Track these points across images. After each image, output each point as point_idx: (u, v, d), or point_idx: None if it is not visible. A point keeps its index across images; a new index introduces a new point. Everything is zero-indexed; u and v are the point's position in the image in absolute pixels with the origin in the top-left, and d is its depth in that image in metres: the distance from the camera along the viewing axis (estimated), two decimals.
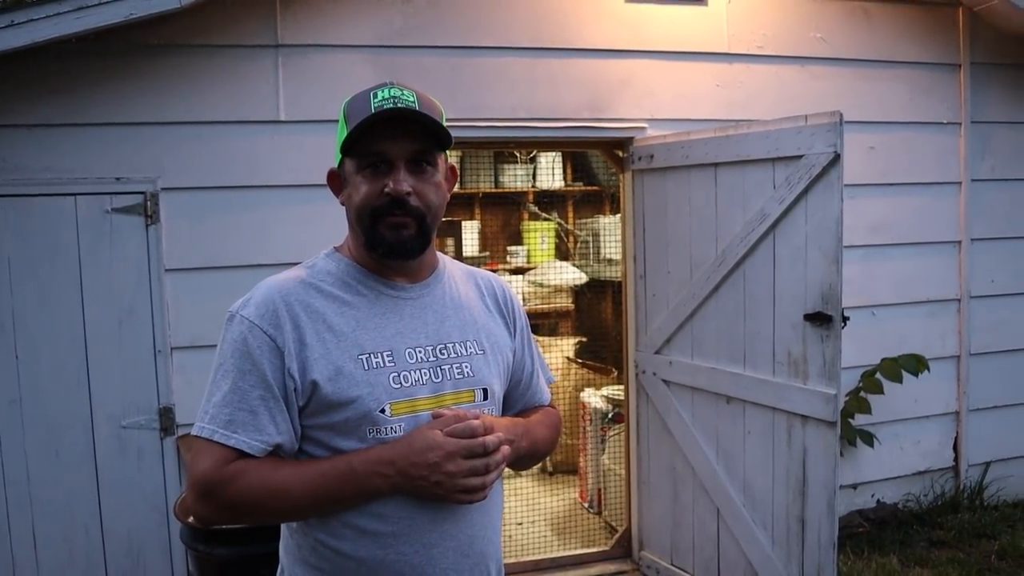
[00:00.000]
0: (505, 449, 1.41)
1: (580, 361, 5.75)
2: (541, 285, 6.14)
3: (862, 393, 4.26)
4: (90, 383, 3.37)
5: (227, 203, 3.49)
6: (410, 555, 1.41)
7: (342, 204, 1.51)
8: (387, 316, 1.47)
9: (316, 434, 1.41)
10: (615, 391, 4.80)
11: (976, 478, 4.70)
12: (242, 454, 1.35)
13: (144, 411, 3.43)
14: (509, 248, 6.52)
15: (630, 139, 3.96)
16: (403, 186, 1.40)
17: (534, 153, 6.39)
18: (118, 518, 3.43)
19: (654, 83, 4.01)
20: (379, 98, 1.40)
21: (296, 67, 3.54)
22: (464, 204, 6.50)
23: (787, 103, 4.10)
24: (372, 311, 1.46)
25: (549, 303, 6.20)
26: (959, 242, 4.55)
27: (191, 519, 2.91)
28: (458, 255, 5.83)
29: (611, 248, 5.71)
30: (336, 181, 1.52)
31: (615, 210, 5.97)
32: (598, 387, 5.19)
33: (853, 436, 4.23)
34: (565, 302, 6.27)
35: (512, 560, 4.10)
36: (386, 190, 1.40)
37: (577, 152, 6.43)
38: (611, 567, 4.14)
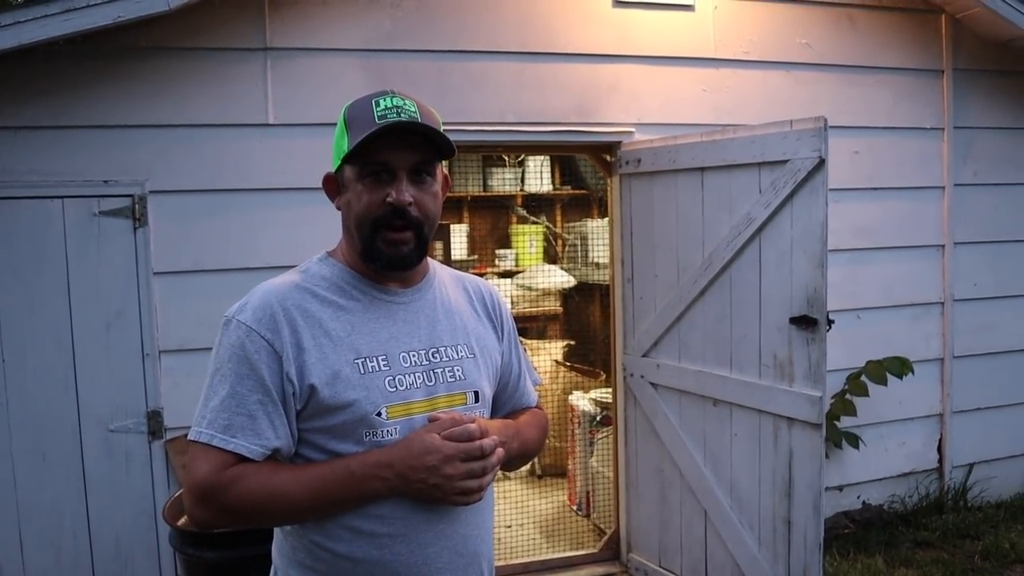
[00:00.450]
0: (500, 452, 1.44)
1: (568, 364, 5.77)
2: (529, 288, 6.16)
3: (847, 395, 4.29)
4: (77, 386, 3.36)
5: (216, 206, 3.49)
6: (406, 555, 1.42)
7: (338, 209, 1.52)
8: (381, 321, 1.48)
9: (313, 437, 1.42)
10: (603, 394, 4.82)
11: (960, 479, 4.75)
12: (241, 458, 1.36)
13: (132, 415, 3.42)
14: (497, 251, 6.53)
15: (618, 143, 3.98)
16: (405, 196, 1.41)
17: (522, 157, 6.41)
18: (106, 522, 3.42)
19: (642, 88, 4.04)
20: (382, 107, 1.41)
21: (285, 70, 3.54)
22: (453, 207, 6.51)
23: (773, 108, 4.14)
24: (367, 316, 1.47)
25: (537, 306, 6.22)
26: (943, 246, 4.60)
27: (187, 523, 2.91)
28: (447, 258, 5.84)
29: (599, 251, 5.73)
30: (332, 186, 1.53)
31: (603, 213, 6.00)
32: (586, 390, 5.21)
33: (839, 438, 4.27)
34: (553, 305, 6.29)
35: (501, 563, 4.11)
36: (388, 200, 1.41)
37: (565, 156, 6.45)
38: (600, 569, 4.16)
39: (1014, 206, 4.75)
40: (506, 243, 6.63)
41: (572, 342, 6.13)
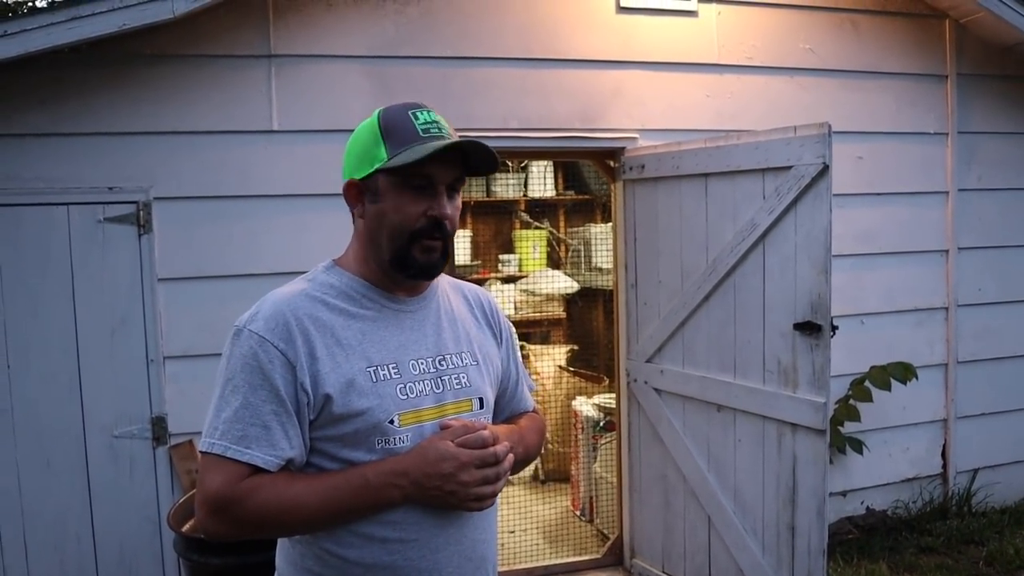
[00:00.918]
0: (510, 457, 1.46)
1: (572, 369, 5.77)
2: (533, 293, 6.16)
3: (851, 401, 4.29)
4: (82, 392, 3.37)
5: (220, 213, 3.50)
6: (417, 560, 1.43)
7: (358, 216, 1.52)
8: (390, 329, 1.49)
9: (324, 446, 1.42)
10: (606, 399, 4.81)
11: (964, 485, 4.74)
12: (256, 469, 1.35)
13: (136, 420, 3.43)
14: (501, 257, 6.54)
15: (621, 149, 3.99)
16: (447, 210, 1.46)
17: (525, 162, 6.42)
18: (110, 528, 3.43)
19: (645, 93, 4.04)
20: (422, 121, 1.44)
21: (289, 77, 3.55)
22: None
23: (776, 114, 4.14)
24: (376, 324, 1.48)
25: (541, 311, 6.22)
26: (947, 251, 4.60)
27: (192, 529, 2.91)
28: (450, 264, 5.83)
29: (602, 257, 5.73)
30: (356, 193, 1.50)
31: (606, 218, 6.01)
32: (590, 395, 5.20)
33: (843, 444, 4.26)
34: (557, 310, 6.29)
35: (505, 568, 4.11)
36: (430, 213, 1.44)
37: (568, 161, 6.46)
38: (603, 575, 4.15)
39: (1018, 211, 4.75)
40: (509, 248, 6.63)
41: (575, 347, 6.13)
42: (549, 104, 3.91)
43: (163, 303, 3.44)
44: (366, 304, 1.49)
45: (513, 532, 4.62)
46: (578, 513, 4.97)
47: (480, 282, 6.46)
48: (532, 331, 6.34)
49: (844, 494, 4.49)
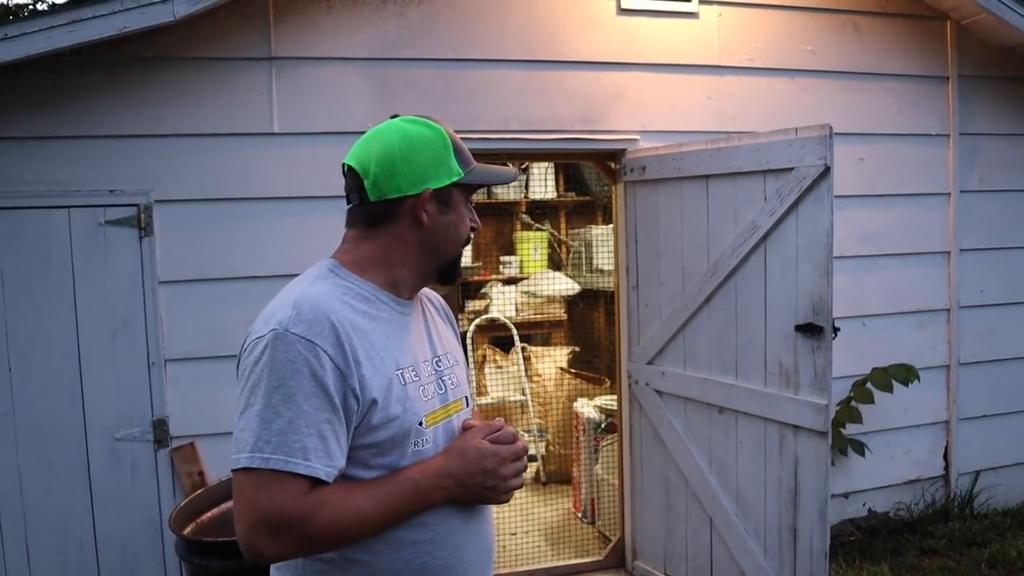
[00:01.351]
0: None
1: (573, 371, 5.77)
2: (534, 295, 6.16)
3: (853, 403, 4.28)
4: (83, 395, 3.37)
5: (221, 215, 3.50)
6: (445, 558, 1.45)
7: (416, 226, 1.49)
8: (402, 332, 1.50)
9: (359, 453, 1.38)
10: (608, 401, 4.81)
11: (966, 486, 4.73)
12: (315, 483, 1.30)
13: (138, 423, 3.43)
14: (502, 258, 6.54)
15: (622, 151, 3.99)
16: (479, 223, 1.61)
17: (526, 164, 6.42)
18: (112, 530, 3.43)
19: (646, 95, 4.04)
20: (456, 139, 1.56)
21: (290, 79, 3.55)
22: None
23: (777, 115, 4.14)
24: (392, 327, 1.48)
25: (542, 313, 6.22)
26: (948, 252, 4.59)
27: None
28: None
29: (603, 258, 5.73)
30: (430, 203, 1.49)
31: (607, 220, 6.00)
32: (591, 397, 5.20)
33: (844, 445, 4.26)
34: (558, 312, 6.29)
35: (506, 571, 4.10)
36: (474, 226, 1.58)
37: (569, 163, 6.45)
38: None
39: (1020, 212, 4.74)
40: (510, 250, 6.63)
41: (577, 349, 6.13)
42: (550, 106, 3.91)
43: (164, 306, 3.44)
44: (380, 307, 1.48)
45: (515, 534, 4.62)
46: (579, 515, 4.97)
47: (481, 284, 6.46)
48: (533, 333, 6.33)
49: (846, 496, 4.49)
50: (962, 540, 4.39)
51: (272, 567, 1.50)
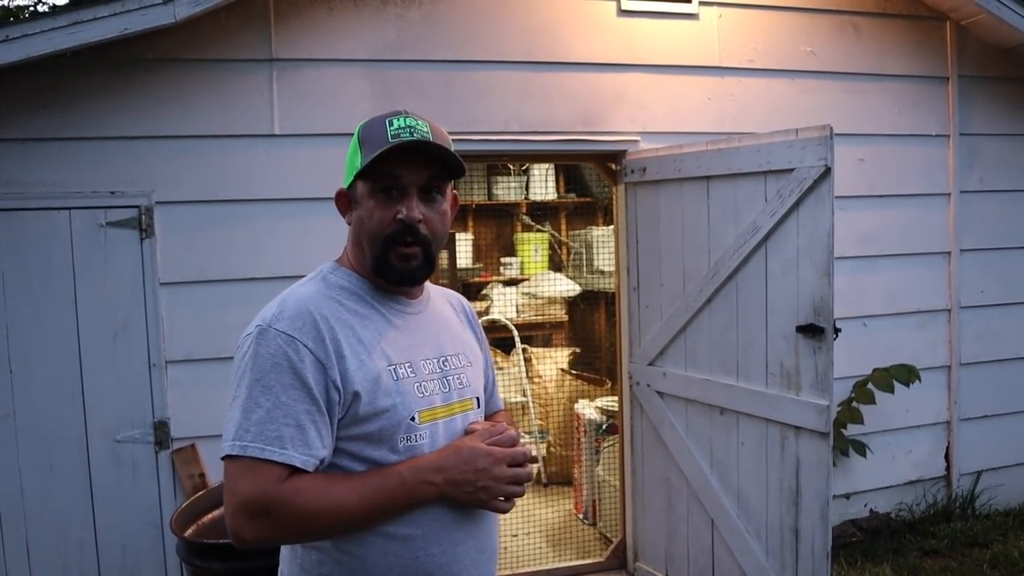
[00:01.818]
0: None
1: (574, 372, 5.76)
2: (534, 296, 6.16)
3: (854, 403, 4.28)
4: (84, 397, 3.37)
5: (221, 217, 3.50)
6: (438, 555, 1.45)
7: (348, 224, 1.55)
8: (401, 330, 1.52)
9: (349, 446, 1.42)
10: (609, 402, 4.81)
11: (968, 487, 4.73)
12: (292, 471, 1.34)
13: (139, 425, 3.43)
14: (502, 259, 6.54)
15: (623, 152, 3.99)
16: (415, 213, 1.45)
17: (527, 165, 6.42)
18: (112, 532, 3.42)
19: (647, 96, 4.04)
20: (395, 126, 1.45)
21: (290, 81, 3.55)
22: (457, 216, 6.46)
23: (778, 116, 4.14)
24: (388, 324, 1.50)
25: (542, 314, 6.22)
26: (948, 253, 4.59)
27: (192, 534, 2.91)
28: (452, 267, 5.84)
29: (604, 259, 5.73)
30: (345, 201, 1.55)
31: (608, 221, 6.00)
32: (592, 398, 5.20)
33: (845, 446, 4.26)
34: (558, 313, 6.29)
35: (507, 572, 4.10)
36: (399, 216, 1.44)
37: (570, 164, 6.46)
38: None
39: (1020, 213, 4.74)
40: (511, 251, 6.64)
41: (577, 350, 6.13)
42: (551, 107, 3.91)
43: (165, 307, 3.44)
44: (376, 305, 1.51)
45: (516, 536, 4.61)
46: (581, 516, 4.97)
47: (482, 285, 6.46)
48: (534, 334, 6.33)
49: (847, 496, 4.48)
50: (964, 541, 4.39)
51: (281, 559, 1.54)
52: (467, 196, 6.39)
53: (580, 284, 6.19)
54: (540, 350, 6.06)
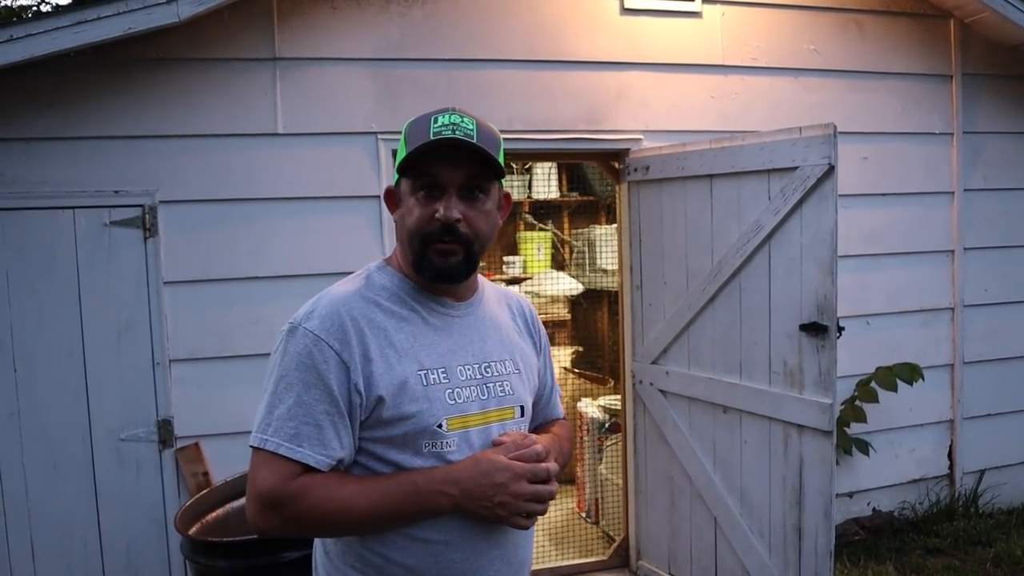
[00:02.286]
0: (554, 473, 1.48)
1: (577, 371, 5.76)
2: (537, 295, 6.15)
3: (857, 402, 4.28)
4: (88, 396, 3.37)
5: (225, 216, 3.50)
6: (460, 562, 1.44)
7: (395, 221, 1.55)
8: (439, 334, 1.50)
9: (373, 447, 1.43)
10: (612, 401, 4.81)
11: (971, 486, 4.73)
12: (307, 468, 1.36)
13: (143, 424, 3.43)
14: (505, 258, 6.53)
15: (626, 151, 3.98)
16: (453, 213, 1.43)
17: (529, 164, 6.41)
18: (117, 531, 3.43)
19: (649, 95, 4.04)
20: (439, 123, 1.43)
21: (294, 80, 3.55)
22: None
23: (781, 114, 4.14)
24: (426, 328, 1.49)
25: (545, 313, 6.21)
26: (952, 251, 4.59)
27: (196, 526, 2.91)
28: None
29: (607, 258, 5.72)
30: (392, 198, 1.55)
31: (610, 220, 6.00)
32: (595, 397, 5.20)
33: (849, 445, 4.25)
34: (561, 312, 6.28)
35: None
36: (437, 216, 1.43)
37: (573, 163, 6.45)
38: None
39: None
40: (514, 250, 6.62)
41: (580, 348, 6.13)
42: (554, 106, 3.91)
43: (169, 306, 3.44)
44: (417, 308, 1.50)
45: None
46: (583, 515, 4.97)
47: None
48: None
49: (850, 495, 4.48)
50: (967, 539, 4.39)
51: (314, 545, 1.58)
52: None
53: (583, 283, 6.18)
54: None
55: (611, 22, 3.96)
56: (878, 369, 4.27)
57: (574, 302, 6.34)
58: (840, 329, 3.10)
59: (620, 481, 4.30)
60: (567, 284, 6.15)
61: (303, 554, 2.49)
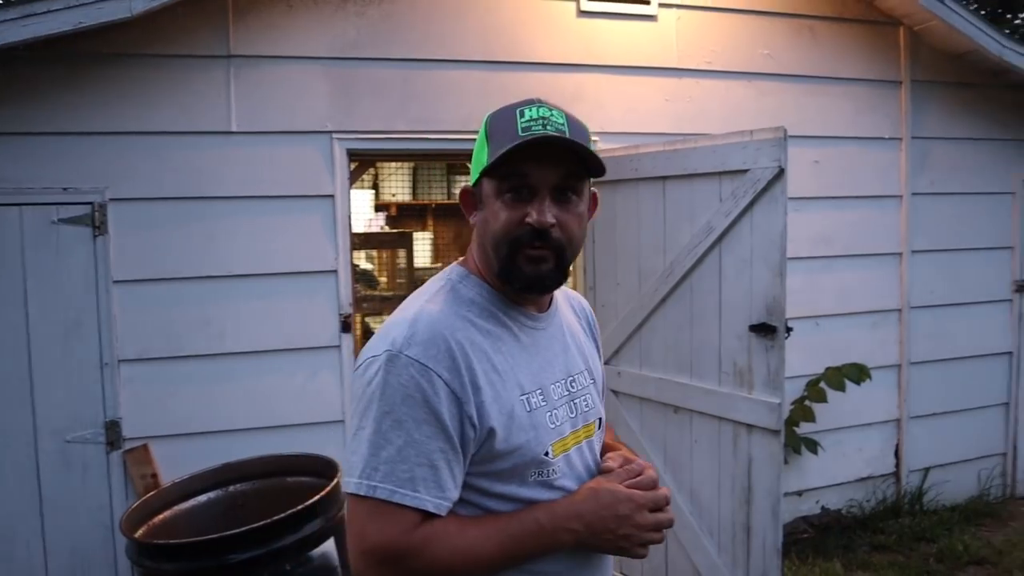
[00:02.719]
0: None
1: None
2: None
3: (806, 402, 4.35)
4: (34, 396, 3.31)
5: (176, 214, 3.45)
6: None
7: (473, 225, 1.41)
8: (530, 350, 1.38)
9: (478, 481, 1.29)
10: None
11: (916, 483, 4.83)
12: (426, 515, 1.22)
13: (90, 425, 3.37)
14: (461, 259, 6.53)
15: None
16: (547, 217, 1.28)
17: None
18: (61, 534, 3.37)
19: (605, 97, 4.07)
20: (526, 118, 1.29)
21: (248, 78, 3.52)
22: (416, 215, 6.51)
23: (735, 118, 4.19)
24: (518, 345, 1.36)
25: None
26: (900, 254, 4.69)
27: None
28: (410, 266, 5.82)
29: None
30: (469, 200, 1.42)
31: None
32: None
33: (798, 444, 4.32)
34: None
35: None
36: (528, 220, 1.28)
37: None
38: None
39: (969, 215, 4.86)
40: (463, 251, 6.63)
41: None
42: None
43: (118, 306, 3.39)
44: (508, 323, 1.36)
45: None
46: None
47: None
48: None
49: (799, 494, 4.56)
50: (912, 536, 4.49)
51: None
52: (427, 195, 6.38)
53: None
54: None
55: (568, 24, 3.99)
56: (827, 369, 4.35)
57: None
58: (788, 330, 3.15)
59: None
60: None
61: (250, 555, 2.47)
